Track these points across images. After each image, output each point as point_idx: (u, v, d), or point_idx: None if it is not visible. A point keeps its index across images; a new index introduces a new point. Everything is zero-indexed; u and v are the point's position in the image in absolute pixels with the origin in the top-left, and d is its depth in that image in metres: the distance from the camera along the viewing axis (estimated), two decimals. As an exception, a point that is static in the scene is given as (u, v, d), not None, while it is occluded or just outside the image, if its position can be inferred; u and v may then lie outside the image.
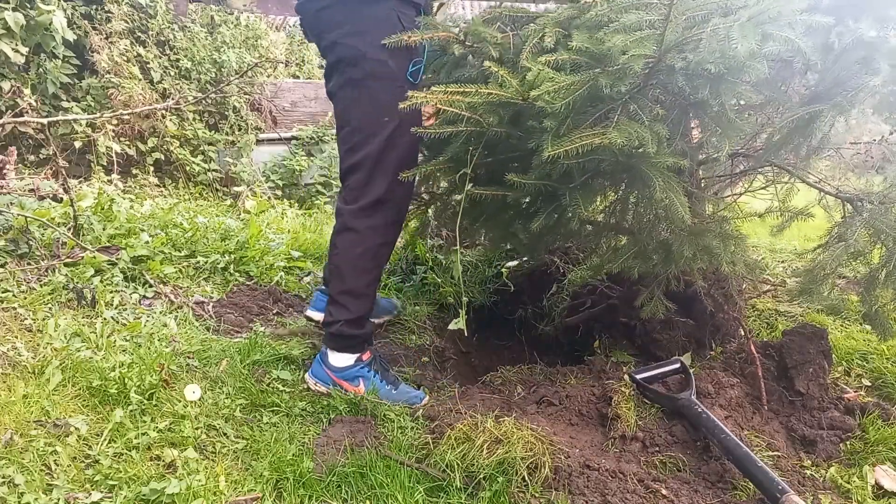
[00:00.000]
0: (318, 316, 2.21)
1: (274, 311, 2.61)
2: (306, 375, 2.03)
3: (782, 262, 3.41)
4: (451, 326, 1.94)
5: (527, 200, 1.96)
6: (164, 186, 5.37)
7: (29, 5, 4.30)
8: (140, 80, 5.22)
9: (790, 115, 1.67)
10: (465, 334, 1.91)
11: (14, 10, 4.14)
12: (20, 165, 4.31)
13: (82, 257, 2.50)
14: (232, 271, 2.83)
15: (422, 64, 1.83)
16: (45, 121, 2.87)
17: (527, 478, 1.55)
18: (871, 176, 2.23)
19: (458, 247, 1.97)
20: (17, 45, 4.21)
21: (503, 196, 1.81)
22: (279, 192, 6.00)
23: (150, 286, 2.48)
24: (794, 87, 1.84)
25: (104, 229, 2.85)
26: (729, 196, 2.52)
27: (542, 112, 1.50)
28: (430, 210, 2.66)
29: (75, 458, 1.53)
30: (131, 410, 1.70)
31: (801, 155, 2.02)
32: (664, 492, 1.54)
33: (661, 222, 1.93)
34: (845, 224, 1.88)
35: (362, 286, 1.94)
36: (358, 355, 1.97)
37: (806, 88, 1.82)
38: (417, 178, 2.17)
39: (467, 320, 1.90)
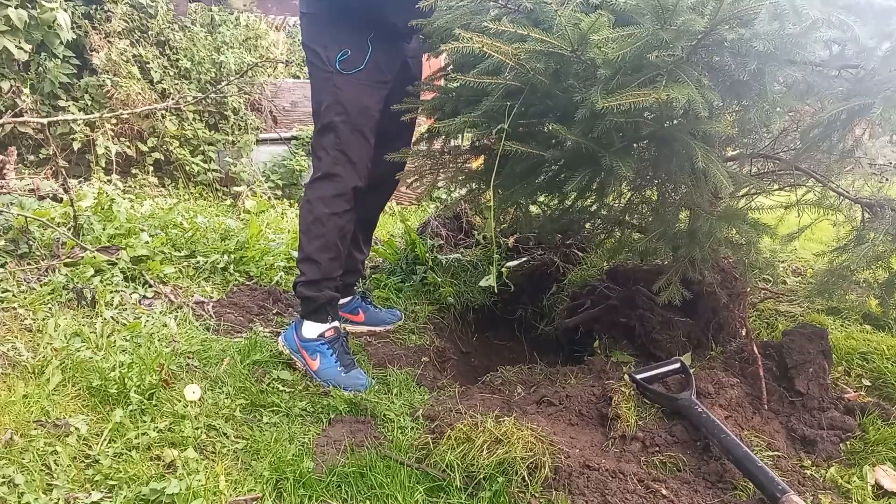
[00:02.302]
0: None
1: (274, 311, 2.61)
2: (279, 338, 2.22)
3: (782, 262, 3.41)
4: (482, 283, 1.99)
5: (559, 165, 1.94)
6: (164, 186, 5.37)
7: (30, 4, 4.30)
8: (139, 79, 5.22)
9: (836, 108, 1.61)
10: (496, 291, 1.95)
11: (17, 7, 4.14)
12: (20, 165, 4.31)
13: (82, 257, 2.50)
14: (232, 271, 2.83)
15: (348, 54, 2.01)
16: (44, 121, 2.87)
17: (527, 478, 1.55)
18: (882, 188, 2.24)
19: (493, 203, 2.01)
20: (20, 42, 4.21)
21: (535, 157, 1.82)
22: (279, 192, 5.99)
23: (150, 286, 2.48)
24: (838, 81, 1.77)
25: (104, 229, 2.85)
26: (744, 195, 2.51)
27: (593, 62, 1.49)
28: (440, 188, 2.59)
29: (75, 458, 1.53)
30: (131, 410, 1.70)
31: (832, 158, 2.00)
32: (664, 492, 1.54)
33: (686, 205, 1.93)
34: (865, 228, 1.88)
35: (314, 251, 2.13)
36: (322, 330, 2.14)
37: (850, 80, 1.75)
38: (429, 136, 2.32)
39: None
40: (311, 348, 2.12)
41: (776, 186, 2.43)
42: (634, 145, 1.83)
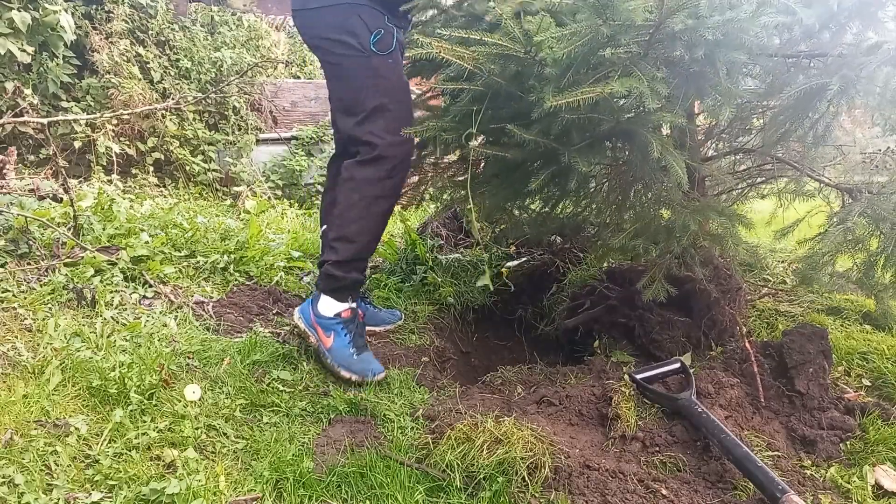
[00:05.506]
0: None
1: (274, 311, 2.60)
2: (295, 310, 2.20)
3: (782, 261, 3.41)
4: (478, 283, 2.04)
5: (532, 166, 1.99)
6: (164, 186, 5.37)
7: (32, 6, 4.31)
8: (140, 79, 5.22)
9: (795, 88, 1.65)
10: (491, 290, 2.01)
11: (20, 10, 4.14)
12: (20, 165, 4.32)
13: (82, 257, 2.50)
14: (232, 271, 2.83)
15: (381, 34, 2.02)
16: (45, 121, 2.87)
17: (527, 478, 1.55)
18: (872, 176, 2.24)
19: (471, 204, 2.05)
20: (22, 44, 4.21)
21: (500, 159, 1.88)
22: (279, 192, 6.00)
23: (150, 286, 2.48)
24: (790, 73, 1.82)
25: (104, 229, 2.85)
26: (730, 191, 2.53)
27: (544, 62, 1.52)
28: (430, 198, 2.66)
29: (75, 458, 1.53)
30: (131, 410, 1.70)
31: (807, 144, 2.02)
32: (664, 492, 1.54)
33: (659, 203, 1.95)
34: (844, 211, 1.89)
35: (353, 232, 2.11)
36: (339, 310, 2.12)
37: (809, 64, 1.79)
38: (420, 147, 2.35)
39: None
40: (325, 325, 2.11)
41: (760, 179, 2.44)
42: (606, 144, 1.87)
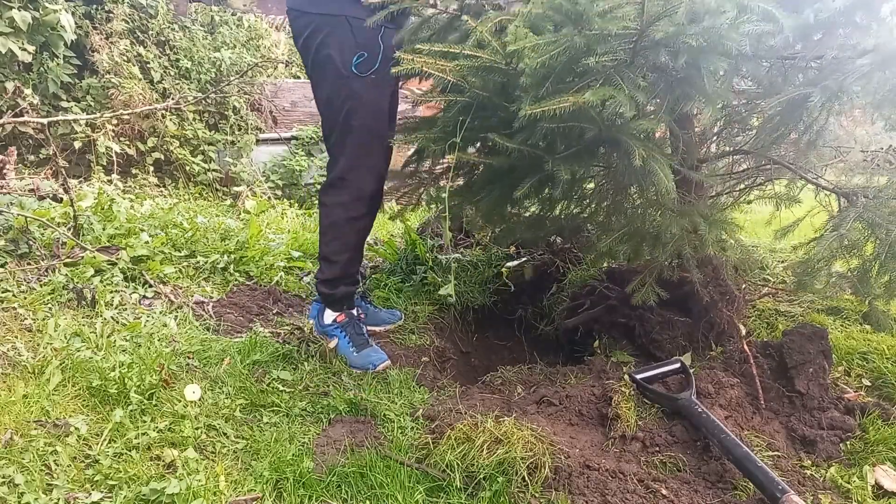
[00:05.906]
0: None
1: (274, 311, 2.61)
2: (309, 320, 2.39)
3: (782, 261, 3.41)
4: (441, 292, 2.10)
5: (521, 174, 2.00)
6: (164, 186, 5.37)
7: (32, 6, 4.31)
8: (140, 79, 5.22)
9: (778, 98, 1.66)
10: (453, 299, 2.08)
11: (20, 9, 4.14)
12: (20, 165, 4.32)
13: (82, 257, 2.50)
14: (232, 271, 2.83)
15: (364, 57, 2.01)
16: (45, 121, 2.87)
17: (527, 478, 1.55)
18: (873, 176, 2.23)
19: (446, 213, 2.09)
20: (23, 43, 4.21)
21: (494, 166, 1.89)
22: (279, 192, 6.00)
23: (150, 286, 2.48)
24: (787, 74, 1.82)
25: (104, 229, 2.85)
26: (728, 192, 2.52)
27: (523, 72, 1.52)
28: (428, 196, 2.66)
29: (75, 458, 1.53)
30: (131, 410, 1.70)
31: (800, 147, 2.01)
32: (664, 492, 1.54)
33: (650, 206, 1.95)
34: (840, 216, 1.88)
35: (331, 253, 2.24)
36: (335, 316, 2.31)
37: (800, 73, 1.80)
38: (417, 155, 2.38)
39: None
40: (328, 332, 2.30)
41: (759, 181, 2.43)
42: (598, 151, 1.87)
